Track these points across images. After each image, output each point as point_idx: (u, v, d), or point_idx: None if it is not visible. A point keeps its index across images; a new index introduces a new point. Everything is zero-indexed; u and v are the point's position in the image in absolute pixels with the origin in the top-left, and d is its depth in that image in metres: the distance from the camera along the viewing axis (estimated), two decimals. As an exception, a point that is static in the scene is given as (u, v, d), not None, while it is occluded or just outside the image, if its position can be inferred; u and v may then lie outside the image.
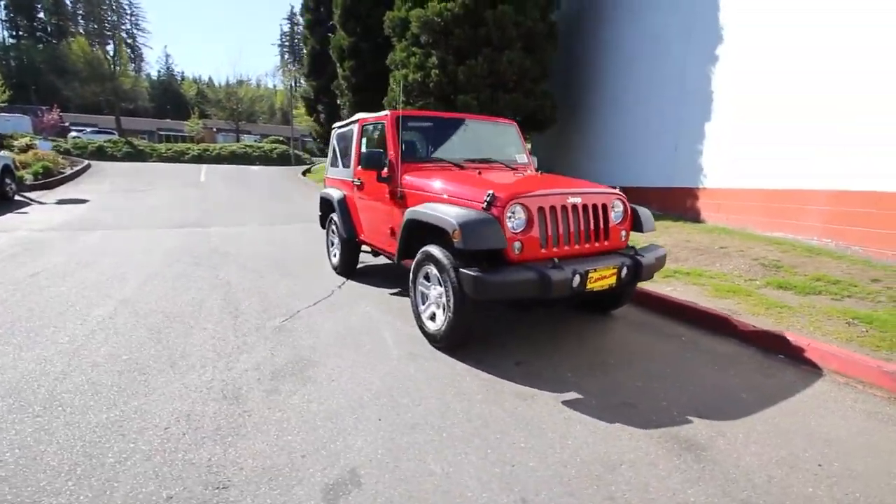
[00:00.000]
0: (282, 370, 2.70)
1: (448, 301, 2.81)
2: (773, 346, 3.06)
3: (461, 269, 2.65)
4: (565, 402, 2.37)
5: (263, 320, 3.54)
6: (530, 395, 2.44)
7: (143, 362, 2.75)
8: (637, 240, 3.61)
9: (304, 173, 18.99)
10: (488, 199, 2.76)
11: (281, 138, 33.46)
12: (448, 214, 2.80)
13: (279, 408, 2.28)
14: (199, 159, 26.47)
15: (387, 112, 3.91)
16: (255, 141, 33.60)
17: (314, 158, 26.36)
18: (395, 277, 4.90)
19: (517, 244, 2.76)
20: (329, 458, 1.90)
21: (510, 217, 2.75)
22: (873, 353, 2.83)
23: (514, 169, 4.08)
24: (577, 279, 2.68)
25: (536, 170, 4.33)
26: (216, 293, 4.23)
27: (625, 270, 2.96)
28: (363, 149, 4.34)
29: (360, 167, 4.36)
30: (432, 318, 3.11)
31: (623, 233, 3.27)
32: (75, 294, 4.03)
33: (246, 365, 2.76)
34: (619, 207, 3.25)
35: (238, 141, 32.95)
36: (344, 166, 4.85)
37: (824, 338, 3.06)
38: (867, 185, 4.82)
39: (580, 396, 2.43)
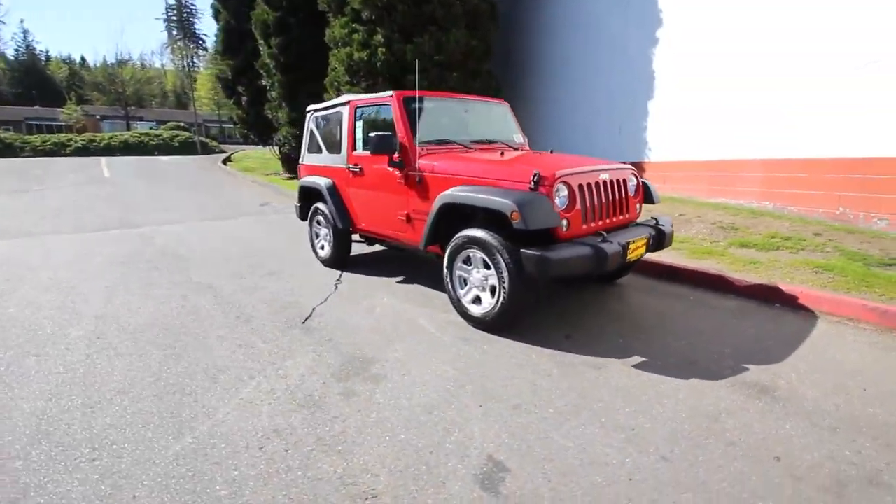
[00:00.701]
0: (342, 371, 2.54)
1: (502, 282, 2.82)
2: (770, 296, 3.50)
3: (523, 250, 2.67)
4: (636, 367, 2.53)
5: (282, 322, 3.28)
6: (601, 365, 2.56)
7: (178, 382, 2.43)
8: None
9: (224, 162, 17.41)
10: (535, 178, 2.79)
11: (182, 124, 30.24)
12: (499, 196, 2.79)
13: (370, 409, 2.16)
14: (86, 151, 23.16)
15: (390, 93, 3.72)
16: (152, 128, 30.01)
17: (225, 146, 24.26)
18: (391, 265, 4.76)
19: (565, 221, 2.83)
20: (459, 450, 1.86)
21: (557, 195, 2.81)
22: (847, 294, 3.36)
23: (516, 149, 4.13)
24: (622, 251, 2.84)
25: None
26: (203, 298, 3.82)
27: (652, 240, 3.18)
28: (358, 133, 4.11)
29: (355, 152, 4.14)
30: (475, 301, 3.10)
31: (638, 205, 3.49)
32: (31, 315, 3.40)
33: (299, 370, 2.55)
34: (633, 181, 3.45)
35: (129, 129, 29.22)
36: (330, 152, 4.55)
37: (804, 286, 3.56)
38: (794, 154, 5.59)
39: (645, 359, 2.60)
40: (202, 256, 5.35)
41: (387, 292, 3.91)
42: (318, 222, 4.85)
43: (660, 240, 3.24)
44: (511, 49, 10.71)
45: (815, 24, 5.28)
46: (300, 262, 4.95)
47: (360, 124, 4.11)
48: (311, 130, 4.89)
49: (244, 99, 14.30)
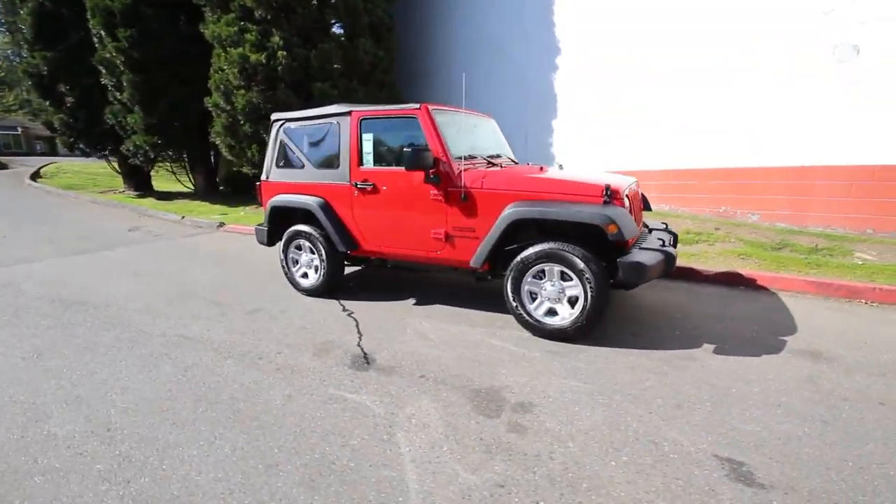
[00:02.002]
0: (480, 407, 2.32)
1: (588, 292, 2.92)
2: (733, 281, 4.33)
3: (620, 259, 2.82)
4: (715, 352, 2.90)
5: (342, 366, 2.81)
6: (691, 356, 2.86)
7: (337, 496, 1.92)
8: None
9: (33, 178, 13.49)
10: (608, 192, 2.98)
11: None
12: (584, 210, 2.90)
13: (558, 438, 2.04)
14: None
15: (416, 105, 3.48)
16: None
17: (23, 158, 18.88)
18: (382, 288, 4.43)
19: (630, 230, 3.09)
20: (686, 457, 1.91)
21: (626, 207, 3.05)
22: (784, 273, 4.37)
23: (515, 162, 4.28)
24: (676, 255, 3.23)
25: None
26: (204, 354, 3.03)
27: (668, 242, 3.67)
28: (367, 147, 3.73)
29: (363, 167, 3.75)
30: (549, 313, 3.14)
31: (643, 213, 3.97)
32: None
33: (434, 415, 2.25)
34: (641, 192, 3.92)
35: None
36: (319, 167, 4.03)
37: (751, 270, 4.51)
38: (686, 165, 6.95)
39: (715, 345, 3.00)
40: (124, 300, 4.19)
41: (419, 316, 3.65)
42: (299, 247, 4.24)
43: (674, 242, 3.76)
44: (414, 63, 10.80)
45: (691, 61, 6.68)
46: (271, 295, 4.25)
47: (367, 137, 3.75)
48: (282, 143, 4.25)
49: (69, 101, 11.34)
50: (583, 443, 2.03)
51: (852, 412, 2.23)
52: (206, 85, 9.52)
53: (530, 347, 3.04)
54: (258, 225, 4.59)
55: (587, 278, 2.91)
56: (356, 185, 3.78)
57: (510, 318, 3.52)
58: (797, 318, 3.50)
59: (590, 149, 8.07)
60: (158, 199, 11.96)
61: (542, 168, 3.60)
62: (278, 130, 4.26)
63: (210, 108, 9.15)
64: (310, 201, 3.99)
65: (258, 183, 4.50)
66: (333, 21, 8.94)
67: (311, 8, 8.58)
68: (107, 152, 12.47)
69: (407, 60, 10.73)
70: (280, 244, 4.36)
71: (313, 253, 4.16)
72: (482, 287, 4.36)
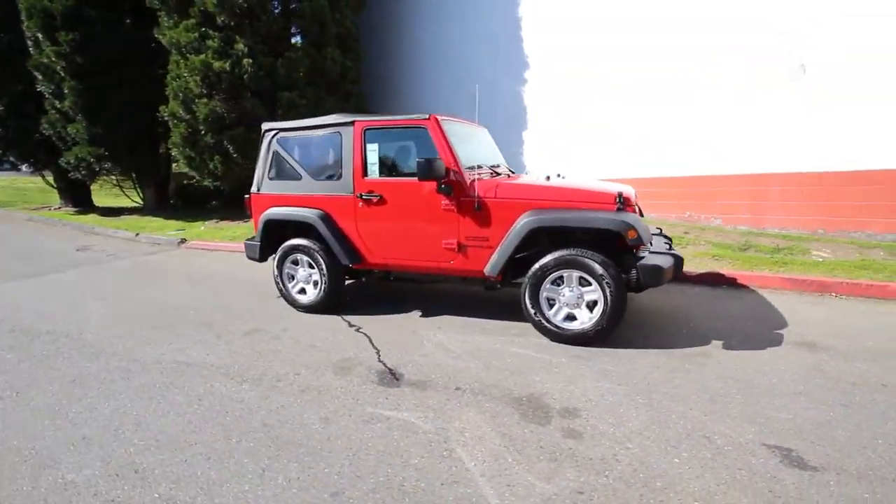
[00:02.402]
0: (534, 417, 2.32)
1: (607, 296, 3.00)
2: (716, 281, 4.62)
3: (641, 262, 2.93)
4: (725, 348, 3.07)
5: (370, 385, 2.71)
6: (707, 353, 3.01)
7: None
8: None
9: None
10: (621, 199, 3.10)
11: None
12: (603, 216, 3.00)
13: (608, 435, 2.08)
14: None
15: (425, 115, 3.46)
16: None
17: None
18: (382, 298, 4.34)
19: (640, 236, 3.23)
20: (741, 445, 2.00)
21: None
22: (760, 272, 4.71)
23: (512, 171, 4.35)
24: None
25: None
26: (224, 383, 2.83)
27: (671, 246, 3.86)
28: (371, 157, 3.66)
29: (368, 178, 3.66)
30: (568, 318, 3.20)
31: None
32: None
33: (484, 429, 2.22)
34: (632, 198, 4.11)
35: None
36: (318, 179, 3.90)
37: (730, 270, 4.82)
38: (653, 174, 7.36)
39: (721, 341, 3.18)
40: (98, 326, 3.86)
41: (430, 328, 3.60)
42: (296, 262, 4.06)
43: (669, 244, 3.96)
44: (379, 75, 10.73)
45: (653, 75, 7.12)
46: (264, 313, 4.05)
47: (372, 148, 3.68)
48: (276, 153, 4.06)
49: (-9, 108, 10.28)
50: (640, 443, 2.08)
51: (863, 395, 2.43)
52: (157, 92, 8.99)
53: (553, 353, 3.08)
54: (248, 240, 4.36)
55: (607, 283, 3.00)
56: (361, 196, 3.69)
57: (523, 325, 3.56)
58: (783, 312, 3.78)
59: (554, 161, 8.35)
60: (103, 215, 11.04)
61: (547, 178, 3.69)
62: (271, 141, 4.08)
63: (166, 118, 8.62)
64: (309, 214, 3.85)
65: (247, 196, 4.28)
66: (299, 30, 8.72)
67: (275, 15, 8.34)
68: (40, 165, 11.39)
69: (372, 72, 10.65)
70: (273, 260, 4.16)
71: (312, 267, 4.00)
72: (486, 296, 4.38)
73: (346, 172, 3.75)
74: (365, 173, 3.70)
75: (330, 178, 3.88)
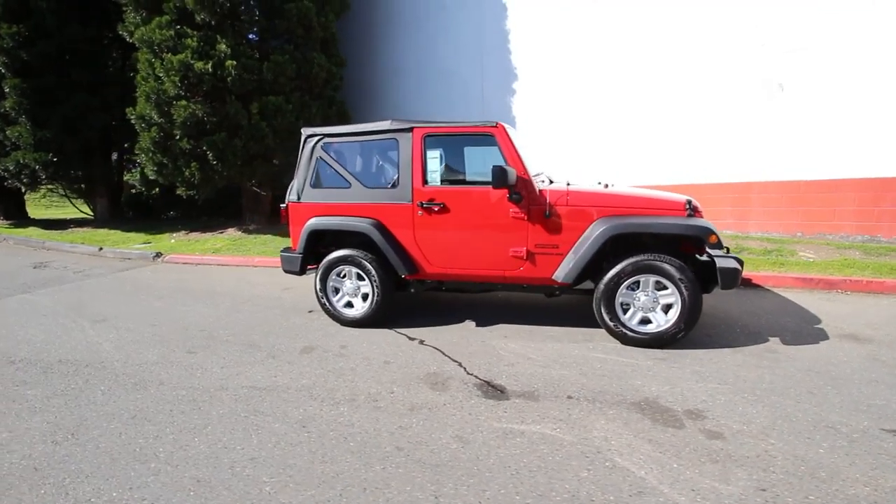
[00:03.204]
0: (657, 416, 2.34)
1: (684, 298, 3.12)
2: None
3: (722, 266, 3.06)
4: (784, 343, 3.29)
5: (478, 399, 2.62)
6: (769, 350, 3.21)
7: None
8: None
9: None
10: (690, 206, 3.25)
11: None
12: (683, 222, 3.12)
13: (747, 432, 2.15)
14: None
15: (493, 122, 3.43)
16: None
17: None
18: (421, 310, 4.24)
19: (701, 240, 3.39)
20: (868, 432, 2.14)
21: (701, 218, 3.35)
22: (762, 271, 5.10)
23: (551, 180, 4.42)
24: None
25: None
26: (305, 405, 2.61)
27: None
28: (432, 165, 3.56)
29: (428, 186, 3.56)
30: (643, 322, 3.28)
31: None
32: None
33: (622, 437, 2.21)
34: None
35: None
36: (369, 186, 3.73)
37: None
38: (640, 182, 7.77)
39: (777, 337, 3.40)
40: (116, 352, 3.47)
41: (495, 338, 3.54)
42: (342, 274, 3.85)
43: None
44: (359, 83, 10.49)
45: (642, 88, 7.55)
46: (305, 330, 3.83)
47: (433, 155, 3.59)
48: (320, 160, 3.84)
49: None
50: (780, 437, 2.17)
51: (931, 380, 2.72)
52: (116, 93, 8.23)
53: (633, 356, 3.14)
54: (284, 251, 4.07)
55: (685, 286, 3.12)
56: (421, 204, 3.58)
57: (585, 330, 3.62)
58: (808, 308, 4.13)
59: (545, 169, 8.59)
60: (46, 228, 9.84)
61: (605, 185, 3.79)
62: (314, 147, 3.85)
63: (133, 121, 7.88)
64: (363, 223, 3.67)
65: (283, 205, 4.01)
66: (283, 33, 8.35)
67: (258, 14, 7.94)
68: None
69: (352, 79, 10.40)
70: (316, 272, 3.92)
71: (362, 279, 3.81)
72: (531, 303, 4.40)
73: (403, 180, 3.62)
74: (425, 181, 3.60)
75: (384, 185, 3.73)
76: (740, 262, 3.39)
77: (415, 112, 10.01)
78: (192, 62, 7.19)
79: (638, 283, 3.24)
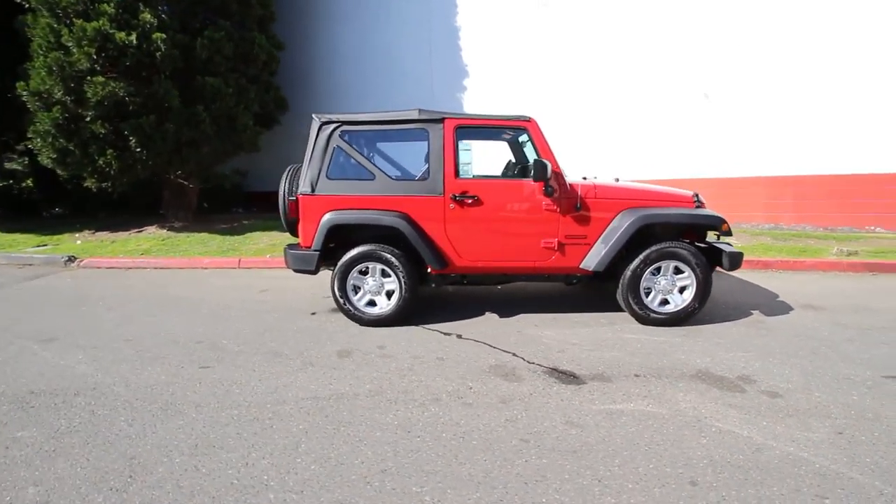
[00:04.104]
0: (745, 390, 2.63)
1: (699, 281, 3.50)
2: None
3: (730, 250, 3.47)
4: (791, 310, 3.86)
5: (566, 387, 2.69)
6: (781, 316, 3.75)
7: None
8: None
9: None
10: (697, 198, 3.65)
11: None
12: (700, 213, 3.49)
13: (810, 398, 2.52)
14: None
15: (527, 116, 3.48)
16: None
17: None
18: (432, 306, 4.18)
19: (701, 228, 3.83)
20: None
21: (703, 209, 3.77)
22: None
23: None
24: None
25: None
26: (391, 410, 2.45)
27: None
28: (464, 157, 3.50)
29: (460, 178, 3.51)
30: (663, 303, 3.61)
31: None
32: None
33: (718, 410, 2.45)
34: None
35: None
36: (398, 179, 3.55)
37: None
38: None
39: (770, 306, 3.98)
40: (115, 376, 2.96)
41: (530, 326, 3.63)
42: (364, 271, 3.62)
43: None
44: (297, 67, 9.75)
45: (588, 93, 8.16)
46: (326, 333, 3.59)
47: (465, 146, 3.54)
48: (338, 149, 3.55)
49: None
50: (821, 390, 2.55)
51: (883, 333, 3.41)
52: None
53: (660, 334, 3.44)
54: (291, 248, 3.72)
55: (701, 269, 3.51)
56: (454, 197, 3.51)
57: (605, 314, 3.89)
58: (761, 285, 4.87)
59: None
60: None
61: (617, 179, 4.06)
62: (331, 135, 3.55)
63: (25, 98, 6.46)
64: (393, 217, 3.49)
65: (293, 198, 3.64)
66: (215, 7, 7.46)
67: (191, -15, 7.01)
68: None
69: (287, 63, 9.66)
70: (336, 271, 3.62)
71: (386, 276, 3.63)
72: (538, 292, 4.57)
73: (434, 172, 3.52)
74: (457, 173, 3.54)
75: (411, 177, 3.59)
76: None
77: (359, 103, 9.63)
78: (111, 32, 6.10)
79: (659, 268, 3.57)
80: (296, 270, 3.69)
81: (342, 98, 9.85)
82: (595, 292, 4.56)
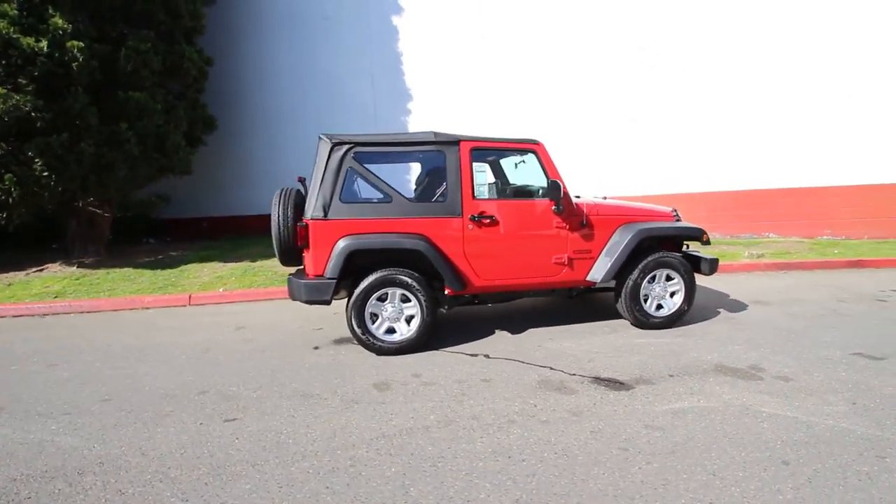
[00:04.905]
0: (764, 380, 2.95)
1: (687, 287, 3.91)
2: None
3: (707, 257, 3.92)
4: (747, 305, 4.42)
5: (617, 392, 2.82)
6: (763, 308, 4.28)
7: None
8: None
9: None
10: (675, 213, 4.10)
11: None
12: (686, 226, 3.90)
13: (814, 376, 2.94)
14: None
15: (534, 139, 3.63)
16: None
17: None
18: (454, 322, 4.15)
19: (676, 239, 4.30)
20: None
21: (678, 223, 4.24)
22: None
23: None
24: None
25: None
26: (487, 436, 2.38)
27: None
28: (480, 178, 3.54)
29: (477, 199, 3.55)
30: (658, 308, 3.95)
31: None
32: None
33: (760, 399, 2.75)
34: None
35: None
36: (416, 200, 3.46)
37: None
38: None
39: (731, 304, 4.53)
40: (98, 445, 2.48)
41: (545, 340, 3.73)
42: (383, 298, 3.45)
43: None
44: (226, 84, 9.01)
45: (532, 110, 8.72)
46: (342, 369, 3.38)
47: (480, 168, 3.58)
48: (352, 171, 3.37)
49: None
50: (818, 371, 3.00)
51: (825, 318, 4.10)
52: None
53: (661, 337, 3.77)
54: (297, 276, 3.42)
55: (688, 275, 3.93)
56: (473, 217, 3.53)
57: (604, 322, 4.15)
58: (709, 286, 5.56)
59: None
60: None
61: (604, 198, 4.39)
62: (344, 156, 3.37)
63: None
64: (414, 240, 3.39)
65: (304, 223, 3.36)
66: (138, 15, 6.68)
67: (112, -10, 6.20)
68: None
69: (216, 81, 8.93)
70: (352, 299, 3.40)
71: (406, 301, 3.49)
72: (531, 307, 4.71)
73: (452, 193, 3.52)
74: (474, 194, 3.57)
75: (430, 199, 3.54)
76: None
77: (293, 124, 9.22)
78: (13, 37, 5.15)
79: (654, 276, 3.93)
80: (310, 302, 3.40)
81: (274, 119, 9.34)
82: (579, 302, 4.84)
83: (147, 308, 5.28)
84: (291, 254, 3.79)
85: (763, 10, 8.01)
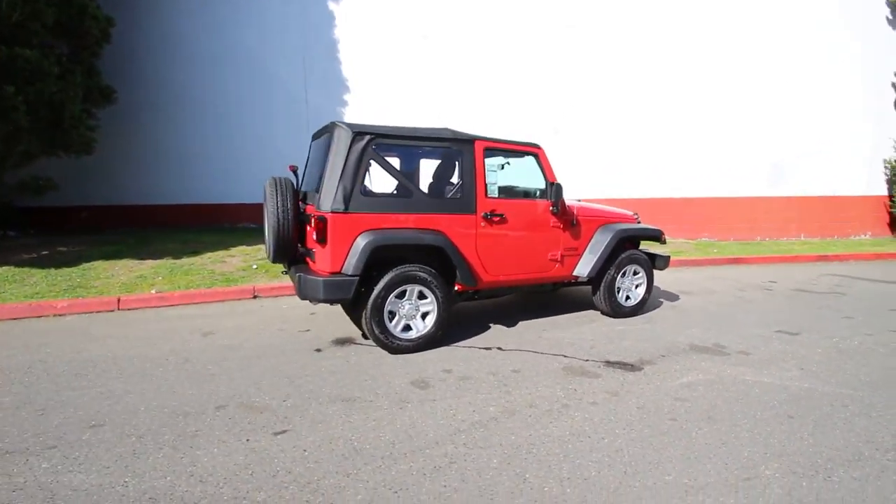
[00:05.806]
0: (746, 359, 3.55)
1: (649, 280, 4.51)
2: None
3: (661, 254, 4.56)
4: (679, 297, 5.18)
5: (628, 370, 3.17)
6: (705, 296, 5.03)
7: None
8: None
9: None
10: (636, 216, 4.69)
11: None
12: (649, 228, 4.47)
13: (789, 352, 3.65)
14: None
15: (535, 143, 3.84)
16: None
17: None
18: (459, 318, 4.21)
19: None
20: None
21: (636, 224, 4.84)
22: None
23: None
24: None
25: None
26: (528, 429, 2.52)
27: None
28: (491, 177, 3.63)
29: (489, 197, 3.67)
30: (627, 299, 4.47)
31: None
32: None
33: (775, 373, 3.32)
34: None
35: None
36: (434, 196, 3.42)
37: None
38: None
39: (667, 295, 5.29)
40: (137, 479, 2.15)
41: (539, 330, 4.00)
42: (402, 294, 3.37)
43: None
44: (136, 67, 7.62)
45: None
46: (360, 365, 3.29)
47: (491, 167, 3.68)
48: (373, 164, 3.19)
49: None
50: (789, 348, 3.72)
51: (746, 303, 5.06)
52: None
53: (634, 323, 4.31)
54: (311, 276, 3.18)
55: (649, 269, 4.53)
56: (485, 215, 3.63)
57: (581, 314, 4.58)
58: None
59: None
60: None
61: (579, 200, 4.80)
62: (365, 147, 3.19)
63: None
64: (436, 236, 3.38)
65: (323, 217, 3.10)
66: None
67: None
68: None
69: (115, 48, 7.53)
70: (373, 296, 3.25)
71: (423, 298, 3.46)
72: (514, 302, 4.96)
73: (467, 191, 3.57)
74: (486, 192, 3.67)
75: (445, 195, 3.54)
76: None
77: (213, 107, 8.25)
78: None
79: (625, 271, 4.46)
80: (329, 301, 3.18)
81: (189, 100, 8.24)
82: (552, 296, 5.23)
83: (61, 315, 4.32)
84: (288, 250, 3.50)
85: (658, 40, 9.41)
